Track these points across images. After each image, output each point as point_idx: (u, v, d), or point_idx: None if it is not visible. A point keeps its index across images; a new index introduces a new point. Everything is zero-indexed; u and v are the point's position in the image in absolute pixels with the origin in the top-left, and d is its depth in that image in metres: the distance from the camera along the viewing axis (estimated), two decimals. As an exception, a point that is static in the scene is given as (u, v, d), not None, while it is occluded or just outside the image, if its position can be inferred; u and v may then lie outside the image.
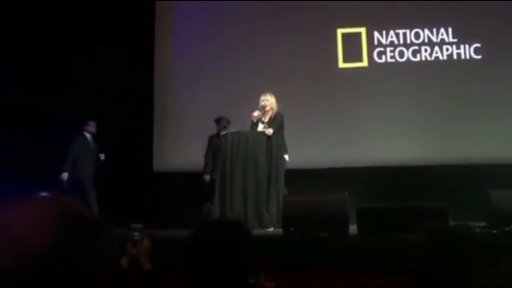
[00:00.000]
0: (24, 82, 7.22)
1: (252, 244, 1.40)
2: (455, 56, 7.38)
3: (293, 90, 7.03)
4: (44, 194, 0.80)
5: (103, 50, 7.14)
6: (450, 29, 7.41)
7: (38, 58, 7.35)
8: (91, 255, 0.74)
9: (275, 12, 7.59)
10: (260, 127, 5.61)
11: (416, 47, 7.47)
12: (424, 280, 1.15)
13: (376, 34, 7.52)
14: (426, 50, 7.45)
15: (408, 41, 7.50)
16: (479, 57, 7.32)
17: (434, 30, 7.45)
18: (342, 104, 7.23)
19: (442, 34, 7.44)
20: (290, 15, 7.55)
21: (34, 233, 0.71)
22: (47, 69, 7.29)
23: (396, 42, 7.50)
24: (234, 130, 5.60)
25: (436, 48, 7.43)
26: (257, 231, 4.83)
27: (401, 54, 7.48)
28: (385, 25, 7.50)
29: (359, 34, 7.53)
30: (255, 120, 5.65)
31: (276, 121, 5.58)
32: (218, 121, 6.44)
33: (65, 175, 6.39)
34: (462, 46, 7.38)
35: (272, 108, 5.66)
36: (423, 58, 7.44)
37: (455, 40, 7.39)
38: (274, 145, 5.46)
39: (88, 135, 6.62)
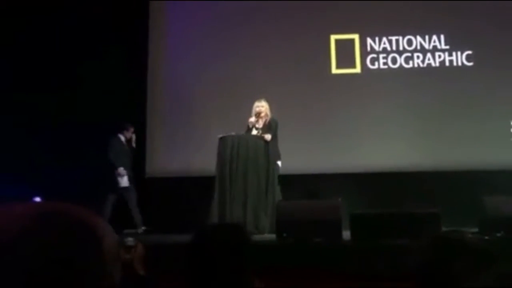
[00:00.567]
0: (15, 82, 7.18)
1: (253, 248, 1.40)
2: (447, 63, 7.45)
3: (286, 96, 7.05)
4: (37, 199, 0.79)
5: (95, 52, 7.12)
6: (442, 37, 7.48)
7: (30, 57, 7.29)
8: (80, 260, 0.71)
9: (269, 17, 7.62)
10: (254, 133, 5.62)
11: (409, 54, 7.53)
12: (426, 286, 1.16)
13: (369, 40, 7.57)
14: (418, 57, 7.51)
15: (401, 48, 7.55)
16: (471, 64, 7.39)
17: (427, 37, 7.52)
18: (335, 110, 7.26)
19: (434, 41, 7.51)
20: (284, 21, 7.58)
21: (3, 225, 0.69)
22: (38, 69, 7.24)
23: (389, 48, 7.56)
24: (233, 133, 5.60)
25: (429, 55, 7.49)
26: (253, 236, 4.82)
27: (394, 60, 7.53)
28: (378, 32, 7.56)
29: (352, 40, 7.58)
30: (250, 126, 5.66)
31: (272, 127, 5.61)
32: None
33: (121, 169, 6.41)
34: (454, 53, 7.44)
35: (266, 115, 5.69)
36: (416, 65, 7.50)
37: (447, 47, 7.46)
38: (271, 150, 5.48)
39: (123, 138, 6.65)
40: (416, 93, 7.27)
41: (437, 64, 7.46)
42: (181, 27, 7.79)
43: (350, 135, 7.11)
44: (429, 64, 7.48)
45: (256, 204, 5.29)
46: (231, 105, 7.09)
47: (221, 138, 5.55)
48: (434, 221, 4.25)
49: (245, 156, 5.37)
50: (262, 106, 5.69)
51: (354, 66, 7.55)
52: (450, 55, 7.46)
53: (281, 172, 5.65)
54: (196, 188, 6.48)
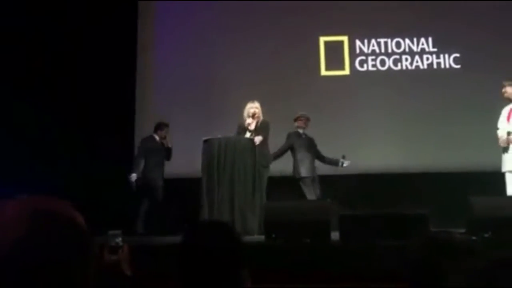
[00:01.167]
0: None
1: (244, 247, 1.40)
2: (435, 66, 7.52)
3: (275, 97, 7.05)
4: (21, 196, 0.78)
5: (82, 53, 7.07)
6: (430, 39, 7.55)
7: (19, 58, 7.21)
8: (65, 257, 0.72)
9: (259, 19, 7.63)
10: (247, 136, 5.60)
11: (397, 56, 7.58)
12: (415, 287, 1.15)
13: (358, 42, 7.61)
14: (407, 59, 7.57)
15: (390, 50, 7.60)
16: (458, 66, 7.47)
17: (415, 39, 7.58)
18: (324, 111, 7.26)
19: (422, 44, 7.57)
20: (274, 22, 7.59)
21: None
22: (23, 69, 7.15)
23: (377, 51, 7.60)
24: (219, 136, 5.56)
25: (417, 57, 7.55)
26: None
27: (383, 62, 7.57)
28: (367, 34, 7.60)
29: (341, 42, 7.61)
30: (246, 126, 5.62)
31: (265, 129, 5.60)
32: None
33: (133, 176, 6.32)
34: (442, 56, 7.52)
35: (258, 117, 5.68)
36: (404, 67, 7.56)
37: (435, 49, 7.53)
38: (258, 152, 5.45)
39: (156, 137, 6.58)
40: (404, 95, 7.32)
41: (425, 67, 7.53)
42: (170, 28, 7.76)
43: (338, 137, 7.13)
44: (417, 67, 7.55)
45: (244, 205, 5.27)
46: (221, 106, 7.08)
47: (205, 141, 5.50)
48: (423, 222, 4.27)
49: (233, 158, 5.34)
50: (256, 107, 5.68)
51: (343, 68, 7.58)
52: (438, 57, 7.53)
53: (269, 173, 5.64)
54: (183, 190, 6.46)
